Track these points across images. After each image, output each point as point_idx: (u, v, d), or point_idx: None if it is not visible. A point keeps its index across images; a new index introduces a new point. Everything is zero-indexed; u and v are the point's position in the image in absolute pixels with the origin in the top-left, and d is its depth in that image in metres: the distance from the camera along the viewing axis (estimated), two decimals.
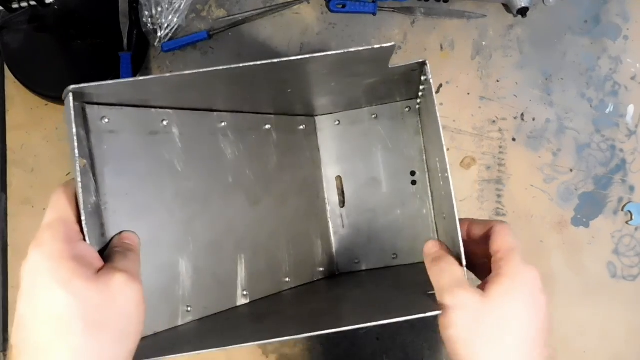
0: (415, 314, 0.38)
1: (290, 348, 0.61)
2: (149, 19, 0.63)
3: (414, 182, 0.59)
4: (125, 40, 0.61)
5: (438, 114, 0.43)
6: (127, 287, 0.35)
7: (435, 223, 0.59)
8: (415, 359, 0.60)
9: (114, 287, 0.35)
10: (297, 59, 0.40)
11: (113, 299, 0.35)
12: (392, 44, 0.41)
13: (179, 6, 0.63)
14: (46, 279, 0.33)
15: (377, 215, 0.60)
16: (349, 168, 0.60)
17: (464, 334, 0.38)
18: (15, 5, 0.60)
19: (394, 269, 0.59)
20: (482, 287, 0.39)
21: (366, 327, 0.38)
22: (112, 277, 0.35)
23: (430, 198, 0.59)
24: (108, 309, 0.34)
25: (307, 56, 0.40)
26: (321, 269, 0.58)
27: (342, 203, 0.60)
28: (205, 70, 0.39)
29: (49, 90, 0.62)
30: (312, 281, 0.57)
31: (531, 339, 0.38)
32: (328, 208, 0.60)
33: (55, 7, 0.61)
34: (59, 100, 0.63)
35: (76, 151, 0.37)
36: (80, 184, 0.37)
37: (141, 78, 0.37)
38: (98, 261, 0.37)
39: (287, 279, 0.55)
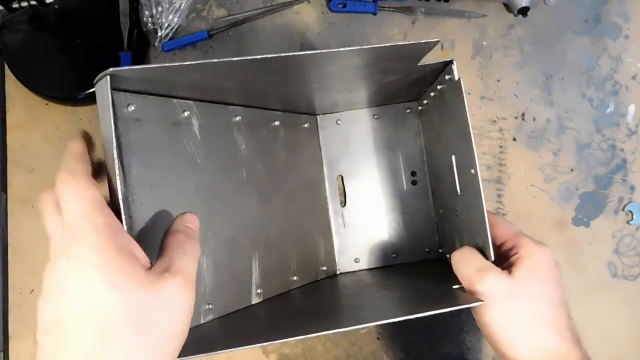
0: (452, 307, 0.38)
1: (290, 348, 0.61)
2: (149, 19, 0.63)
3: (414, 182, 0.60)
4: (125, 40, 0.61)
5: (467, 112, 0.43)
6: (181, 293, 0.33)
7: (436, 222, 0.59)
8: (415, 359, 0.60)
9: (166, 292, 0.32)
10: (345, 50, 0.40)
11: (163, 305, 0.32)
12: (437, 39, 0.41)
13: (179, 6, 0.63)
14: (92, 276, 0.30)
15: (378, 214, 0.60)
16: (350, 168, 0.60)
17: (501, 317, 0.39)
18: (15, 5, 0.60)
19: (398, 267, 0.59)
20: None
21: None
22: (165, 282, 0.32)
23: (431, 198, 0.59)
24: (157, 315, 0.31)
25: (355, 48, 0.40)
26: (324, 268, 0.58)
27: (343, 202, 0.60)
28: (246, 58, 0.37)
29: (49, 90, 0.62)
30: (317, 280, 0.57)
31: (559, 313, 0.40)
32: (330, 207, 0.60)
33: (55, 7, 0.61)
34: (59, 100, 0.63)
35: (113, 137, 0.34)
36: (118, 173, 0.34)
37: (177, 64, 0.36)
38: (142, 254, 0.33)
39: (295, 278, 0.54)
